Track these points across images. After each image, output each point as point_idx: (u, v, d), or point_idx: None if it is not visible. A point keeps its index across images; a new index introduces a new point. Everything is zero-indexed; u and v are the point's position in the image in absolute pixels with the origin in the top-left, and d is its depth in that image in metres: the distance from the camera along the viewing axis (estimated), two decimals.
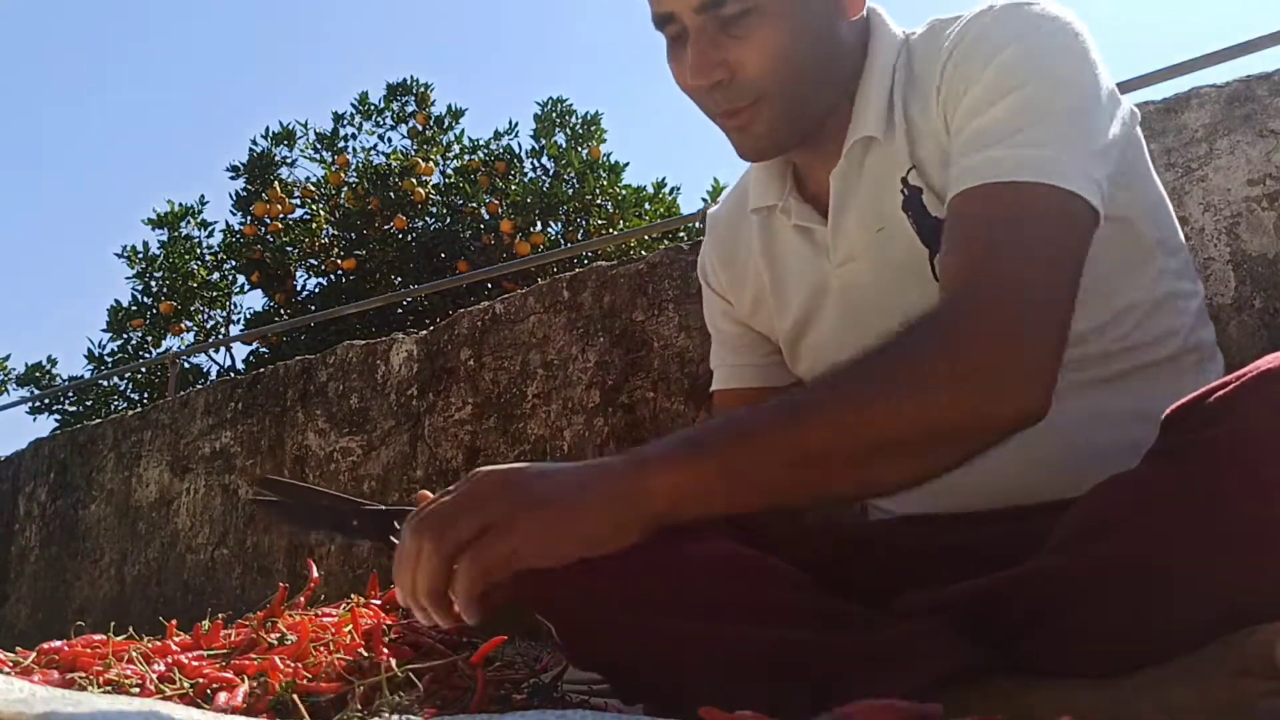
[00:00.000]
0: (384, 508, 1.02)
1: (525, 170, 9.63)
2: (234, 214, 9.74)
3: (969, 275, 0.87)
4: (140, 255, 9.54)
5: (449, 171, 9.96)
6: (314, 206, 9.68)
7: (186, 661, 1.08)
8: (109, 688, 1.01)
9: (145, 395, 9.47)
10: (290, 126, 9.81)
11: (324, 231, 9.54)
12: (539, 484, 0.82)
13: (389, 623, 1.31)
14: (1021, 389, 0.82)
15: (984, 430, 0.84)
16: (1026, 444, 0.90)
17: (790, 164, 1.13)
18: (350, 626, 1.21)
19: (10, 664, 1.09)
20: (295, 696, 0.97)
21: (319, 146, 9.94)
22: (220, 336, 9.81)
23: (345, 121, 10.03)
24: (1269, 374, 0.75)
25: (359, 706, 0.97)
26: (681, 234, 7.25)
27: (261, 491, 1.12)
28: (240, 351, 9.71)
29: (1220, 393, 0.78)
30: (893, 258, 1.03)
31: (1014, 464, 0.98)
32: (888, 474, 0.85)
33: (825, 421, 0.82)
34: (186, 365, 9.23)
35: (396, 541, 0.97)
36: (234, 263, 9.69)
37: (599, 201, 9.12)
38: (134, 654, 1.09)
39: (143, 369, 9.42)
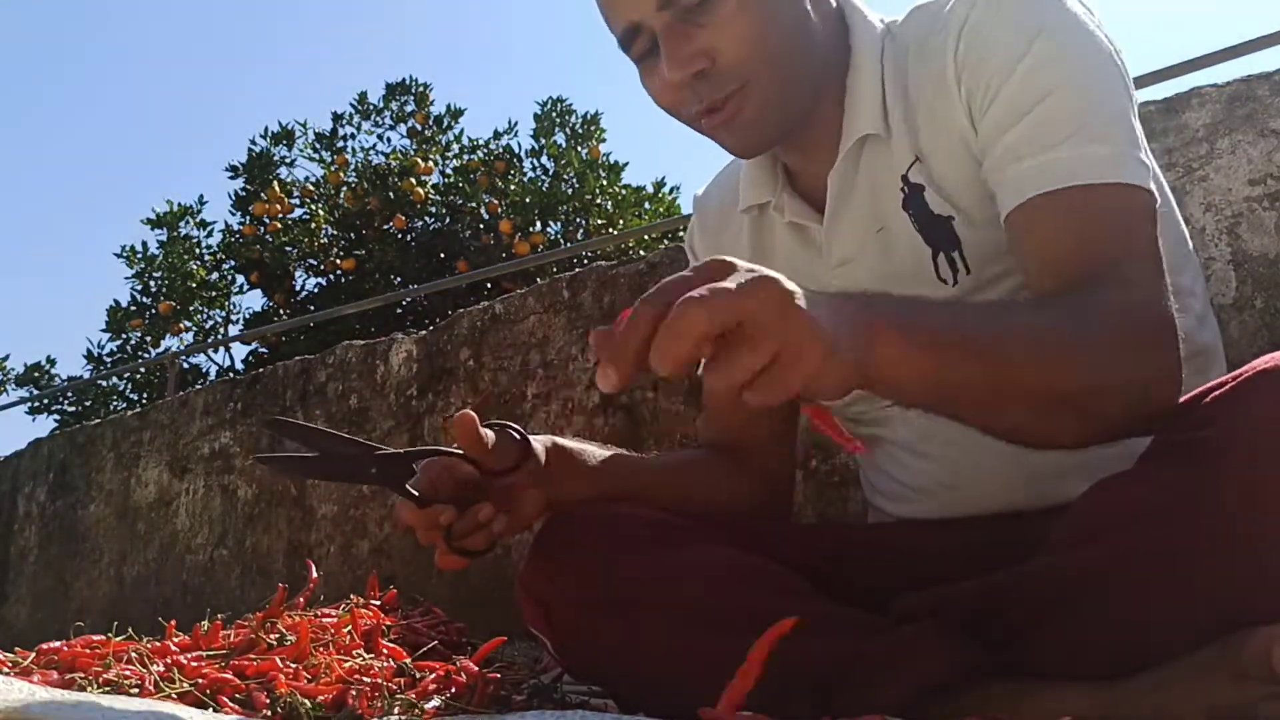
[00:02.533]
0: (401, 451, 0.98)
1: (525, 170, 9.63)
2: (233, 214, 9.76)
3: (1094, 266, 0.84)
4: (139, 255, 9.54)
5: (448, 171, 9.96)
6: (313, 206, 9.68)
7: (186, 662, 1.07)
8: (108, 688, 1.00)
9: (144, 395, 9.47)
10: (289, 126, 9.83)
11: (323, 231, 9.53)
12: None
13: (389, 623, 1.31)
14: (1175, 374, 0.83)
15: (1141, 408, 0.82)
16: (1024, 452, 0.90)
17: (780, 163, 1.10)
18: (350, 627, 1.21)
19: (10, 664, 1.09)
20: (300, 699, 0.97)
21: (318, 146, 9.94)
22: (219, 336, 9.81)
23: (344, 121, 10.03)
24: (1267, 373, 0.75)
25: (359, 707, 0.97)
26: (681, 234, 7.23)
27: (272, 436, 1.08)
28: (239, 352, 9.72)
29: (1217, 392, 0.77)
30: (894, 258, 1.01)
31: (1016, 471, 0.99)
32: (1046, 425, 0.81)
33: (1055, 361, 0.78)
34: (185, 365, 9.22)
35: (413, 489, 0.96)
36: (233, 263, 9.69)
37: (599, 201, 9.12)
38: (133, 654, 1.09)
39: (142, 369, 9.42)
